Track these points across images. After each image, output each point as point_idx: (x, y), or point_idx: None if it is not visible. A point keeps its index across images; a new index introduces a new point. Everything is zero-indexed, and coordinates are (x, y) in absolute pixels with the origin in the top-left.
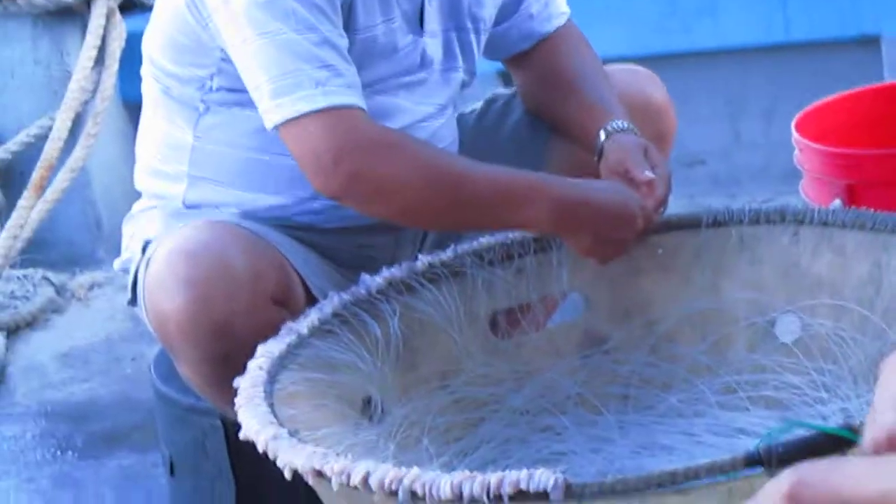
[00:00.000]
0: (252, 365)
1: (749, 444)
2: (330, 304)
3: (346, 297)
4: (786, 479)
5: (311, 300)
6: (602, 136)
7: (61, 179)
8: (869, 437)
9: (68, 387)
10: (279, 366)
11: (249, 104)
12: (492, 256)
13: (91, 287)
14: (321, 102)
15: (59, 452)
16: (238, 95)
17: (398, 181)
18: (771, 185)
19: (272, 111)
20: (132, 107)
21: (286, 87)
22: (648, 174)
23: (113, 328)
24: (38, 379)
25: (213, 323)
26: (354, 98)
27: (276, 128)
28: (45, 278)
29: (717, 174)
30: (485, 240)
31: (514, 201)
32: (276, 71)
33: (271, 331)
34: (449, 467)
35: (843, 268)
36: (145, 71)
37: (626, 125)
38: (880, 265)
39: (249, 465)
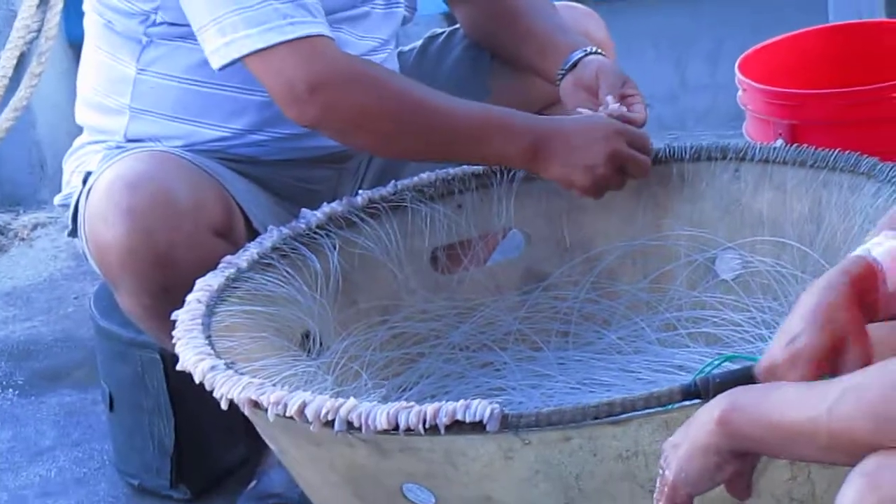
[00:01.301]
0: (190, 298)
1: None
2: (269, 237)
3: (285, 230)
4: (717, 404)
5: (253, 233)
6: (577, 55)
7: (5, 119)
8: (760, 361)
9: (10, 325)
10: (217, 298)
11: (192, 37)
12: (433, 192)
13: (34, 227)
14: (290, 34)
15: None
16: (181, 29)
17: (371, 111)
18: (716, 128)
19: (238, 43)
20: (77, 46)
21: (252, 18)
22: (613, 107)
23: (55, 268)
24: None
25: (153, 253)
26: (322, 27)
27: (242, 59)
28: None
29: (663, 117)
30: (426, 175)
31: (486, 133)
32: (240, 4)
33: (212, 263)
34: (387, 401)
35: (783, 205)
36: (87, 6)
37: (581, 53)
38: (821, 202)
39: (188, 399)
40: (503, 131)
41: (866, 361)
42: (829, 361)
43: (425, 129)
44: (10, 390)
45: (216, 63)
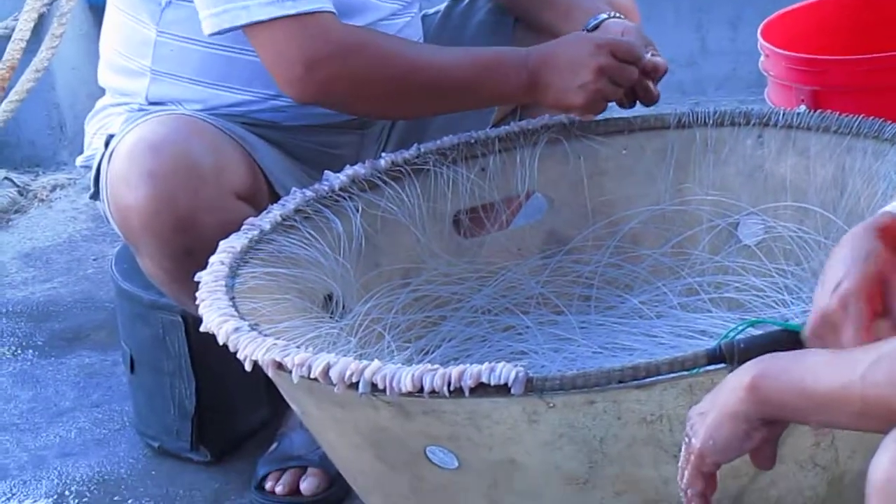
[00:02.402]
0: (214, 259)
1: (709, 345)
2: (293, 200)
3: (308, 193)
4: (747, 371)
5: (275, 197)
6: (599, 18)
7: (25, 80)
8: (808, 321)
9: (29, 286)
10: (241, 260)
11: None
12: (455, 155)
13: (54, 188)
14: (291, 9)
15: (19, 350)
16: None
17: (369, 82)
18: (737, 93)
19: (235, 12)
20: (97, 8)
21: None
22: (655, 59)
23: (75, 229)
24: None
25: (176, 217)
26: (323, 2)
27: (242, 28)
28: (8, 179)
29: (683, 83)
30: (448, 139)
31: (483, 78)
32: None
33: (235, 226)
34: (410, 364)
35: (807, 170)
36: None
37: (601, 17)
38: (844, 168)
39: (209, 361)
40: (496, 73)
41: None
42: (880, 297)
43: (421, 88)
44: (30, 351)
45: (208, 28)
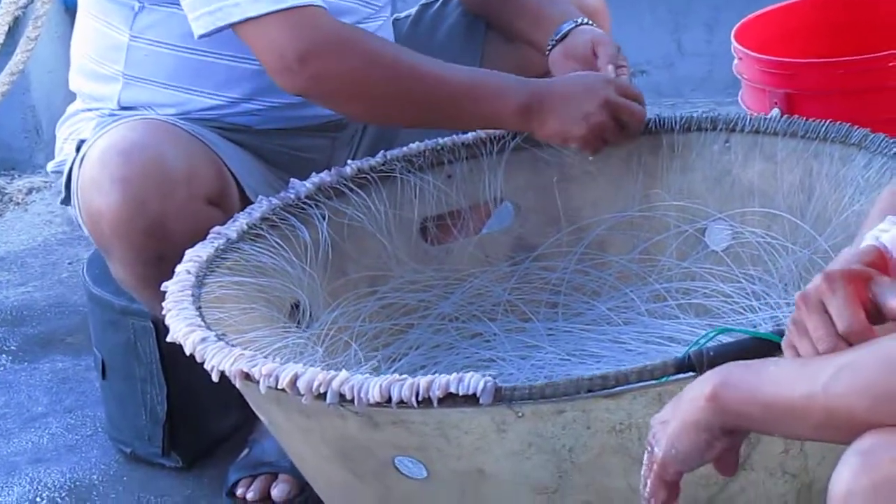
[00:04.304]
0: (180, 268)
1: (678, 352)
2: (259, 208)
3: (275, 201)
4: (708, 379)
5: (246, 202)
6: (568, 26)
7: (0, 83)
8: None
9: (3, 290)
10: (207, 269)
11: None
12: (422, 162)
13: (29, 191)
14: (282, 3)
15: None
16: None
17: (362, 79)
18: (712, 95)
19: (227, 10)
20: (73, 11)
21: None
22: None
23: (50, 233)
24: None
25: (146, 222)
26: None
27: (232, 27)
28: None
29: (659, 84)
30: (415, 145)
31: (478, 96)
32: None
33: (205, 231)
34: (377, 373)
35: (774, 175)
36: None
37: (588, 21)
38: (811, 173)
39: (181, 367)
40: (495, 93)
41: None
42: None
43: (417, 95)
44: (3, 356)
45: (200, 29)
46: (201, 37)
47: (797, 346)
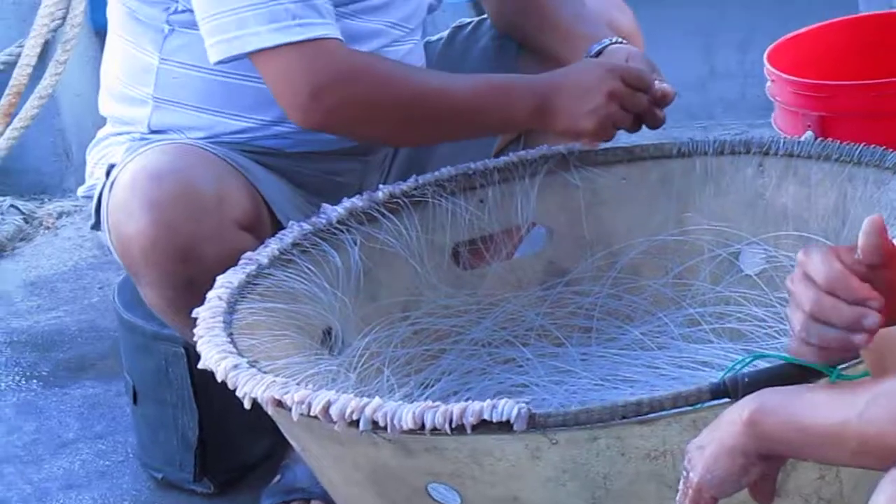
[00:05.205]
0: (211, 295)
1: (712, 377)
2: (290, 233)
3: (306, 226)
4: (745, 405)
5: (278, 226)
6: (602, 44)
7: (30, 107)
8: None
9: (35, 315)
10: (238, 295)
11: None
12: (454, 187)
13: (59, 216)
14: (298, 35)
15: (23, 381)
16: None
17: (376, 106)
18: (745, 118)
19: (244, 39)
20: (102, 34)
21: (262, 15)
22: (663, 85)
23: (80, 257)
24: (4, 307)
25: (176, 247)
26: (329, 29)
27: (249, 55)
28: (14, 206)
29: (691, 106)
30: (446, 170)
31: (492, 102)
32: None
33: (236, 256)
34: (410, 399)
35: (808, 199)
36: None
37: (604, 43)
38: (846, 196)
39: (212, 392)
40: (505, 97)
41: None
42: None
43: (431, 113)
44: (35, 381)
45: (215, 56)
46: (217, 63)
47: (791, 320)
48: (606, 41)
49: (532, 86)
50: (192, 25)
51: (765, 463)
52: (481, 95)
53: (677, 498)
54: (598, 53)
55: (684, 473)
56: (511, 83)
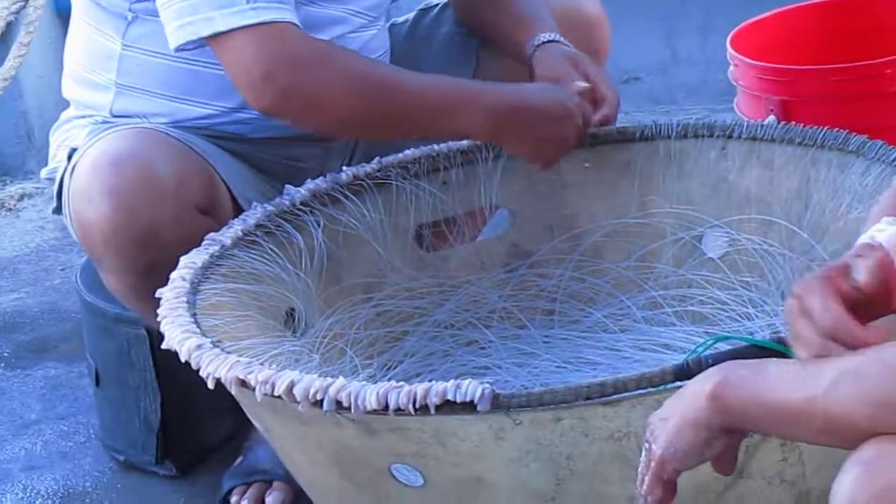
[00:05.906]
0: (174, 275)
1: (675, 359)
2: (253, 214)
3: (269, 207)
4: (708, 378)
5: (238, 210)
6: (531, 47)
7: None
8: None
9: None
10: (202, 276)
11: None
12: (417, 169)
13: (21, 198)
14: (252, 18)
15: None
16: None
17: (328, 94)
18: (707, 102)
19: (198, 24)
20: (65, 16)
21: (216, 0)
22: (580, 84)
23: (42, 239)
24: None
25: (137, 232)
26: (285, 13)
27: (204, 39)
28: None
29: (653, 91)
30: (410, 152)
31: (449, 109)
32: None
33: (197, 240)
34: (373, 380)
35: (771, 182)
36: None
37: (555, 37)
38: (808, 180)
39: (174, 374)
40: (466, 107)
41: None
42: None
43: (386, 108)
44: None
45: (174, 42)
46: (176, 49)
47: (798, 354)
48: (544, 37)
49: (494, 100)
50: (155, 13)
51: (727, 436)
52: (443, 99)
53: (639, 469)
54: (536, 47)
55: (646, 445)
56: (473, 94)
